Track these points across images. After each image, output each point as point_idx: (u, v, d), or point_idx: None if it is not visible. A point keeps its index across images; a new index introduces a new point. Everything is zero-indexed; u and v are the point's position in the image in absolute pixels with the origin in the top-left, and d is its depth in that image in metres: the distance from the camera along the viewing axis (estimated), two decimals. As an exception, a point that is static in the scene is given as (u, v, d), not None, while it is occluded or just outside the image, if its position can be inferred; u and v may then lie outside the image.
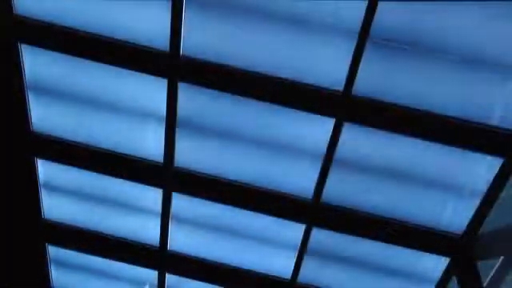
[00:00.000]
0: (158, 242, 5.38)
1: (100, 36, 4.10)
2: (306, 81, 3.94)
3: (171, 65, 4.06)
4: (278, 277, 5.31)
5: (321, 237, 4.83)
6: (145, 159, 4.79)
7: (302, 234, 4.82)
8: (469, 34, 3.48)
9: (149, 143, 4.69)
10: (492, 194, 4.02)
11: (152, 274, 5.74)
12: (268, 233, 5.02)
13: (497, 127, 3.78)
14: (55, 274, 6.09)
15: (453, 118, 3.81)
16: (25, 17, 4.15)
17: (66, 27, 4.13)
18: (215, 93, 4.16)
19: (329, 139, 4.15)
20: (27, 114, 4.73)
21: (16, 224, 5.63)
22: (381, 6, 3.45)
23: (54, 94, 4.59)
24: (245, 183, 4.68)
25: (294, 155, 4.44)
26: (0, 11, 4.13)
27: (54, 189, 5.32)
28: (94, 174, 5.01)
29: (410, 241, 4.52)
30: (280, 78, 3.96)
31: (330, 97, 3.91)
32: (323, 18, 3.66)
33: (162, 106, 4.36)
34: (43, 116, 4.76)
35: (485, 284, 4.25)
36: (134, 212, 5.30)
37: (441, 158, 4.05)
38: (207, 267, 5.42)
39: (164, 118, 4.41)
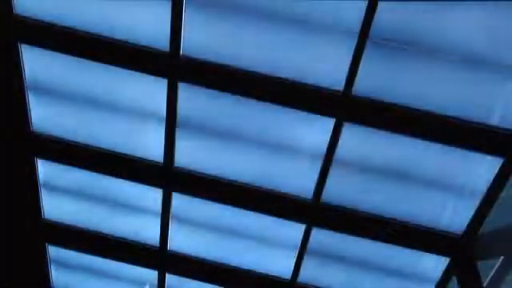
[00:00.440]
0: (158, 242, 5.39)
1: (100, 36, 4.10)
2: (305, 81, 3.94)
3: (171, 65, 4.06)
4: (277, 277, 5.31)
5: (321, 237, 4.83)
6: (145, 159, 4.79)
7: (302, 234, 4.82)
8: (469, 34, 3.48)
9: (149, 143, 4.69)
10: (492, 194, 4.02)
11: (152, 274, 5.74)
12: (268, 233, 5.02)
13: (497, 127, 3.78)
14: (55, 274, 6.09)
15: (453, 117, 3.81)
16: (25, 17, 4.15)
17: (65, 27, 4.13)
18: (215, 93, 4.16)
19: (329, 139, 4.15)
20: (27, 114, 4.73)
21: (16, 224, 5.63)
22: (381, 5, 3.45)
23: (54, 93, 4.59)
24: (245, 183, 4.68)
25: (294, 155, 4.44)
26: (0, 11, 4.13)
27: (54, 189, 5.32)
28: (94, 174, 5.01)
29: (410, 241, 4.52)
30: (280, 78, 3.96)
31: (330, 97, 3.91)
32: (323, 18, 3.66)
33: (162, 106, 4.36)
34: (43, 116, 4.76)
35: (485, 284, 4.25)
36: (134, 212, 5.29)
37: (441, 157, 4.05)
38: (207, 267, 5.42)
39: (164, 118, 4.41)
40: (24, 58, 4.41)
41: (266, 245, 5.12)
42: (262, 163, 4.53)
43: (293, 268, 5.12)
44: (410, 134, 3.91)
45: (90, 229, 5.55)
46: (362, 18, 3.52)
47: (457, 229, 4.40)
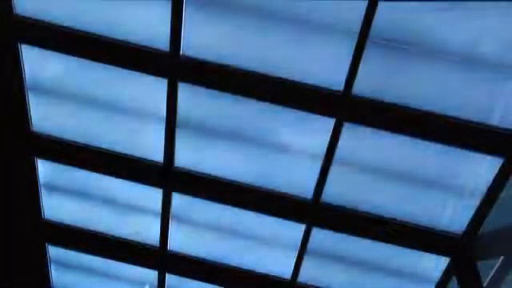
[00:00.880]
0: (158, 242, 5.39)
1: (100, 36, 4.10)
2: (306, 81, 3.94)
3: (171, 65, 4.06)
4: (277, 277, 5.31)
5: (321, 237, 4.83)
6: (145, 159, 4.79)
7: (302, 234, 4.82)
8: (469, 34, 3.48)
9: (149, 143, 4.69)
10: (492, 194, 4.02)
11: (152, 274, 5.74)
12: (268, 233, 5.02)
13: (497, 127, 3.78)
14: (55, 274, 6.09)
15: (453, 117, 3.81)
16: (25, 17, 4.15)
17: (65, 27, 4.13)
18: (215, 93, 4.16)
19: (329, 139, 4.15)
20: (27, 114, 4.73)
21: (16, 224, 5.63)
22: (381, 5, 3.45)
23: (54, 93, 4.59)
24: (245, 183, 4.68)
25: (294, 155, 4.44)
26: (0, 11, 4.13)
27: (54, 189, 5.32)
28: (94, 174, 5.01)
29: (410, 241, 4.52)
30: (280, 78, 3.96)
31: (330, 97, 3.91)
32: (323, 18, 3.66)
33: (162, 106, 4.36)
34: (43, 116, 4.76)
35: (485, 284, 4.25)
36: (134, 212, 5.29)
37: (441, 157, 4.05)
38: (207, 267, 5.42)
39: (164, 118, 4.41)
40: (24, 58, 4.41)
41: (266, 245, 5.12)
42: (262, 163, 4.53)
43: (293, 268, 5.12)
44: (410, 134, 3.91)
45: (90, 229, 5.55)
46: (362, 18, 3.52)
47: (457, 229, 4.40)
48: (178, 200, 4.99)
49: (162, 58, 4.06)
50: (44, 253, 5.83)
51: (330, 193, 4.52)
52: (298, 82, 3.95)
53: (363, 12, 3.50)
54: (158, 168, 4.77)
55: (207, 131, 4.44)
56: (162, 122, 4.46)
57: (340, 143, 4.16)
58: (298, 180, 4.56)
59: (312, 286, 5.25)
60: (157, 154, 4.72)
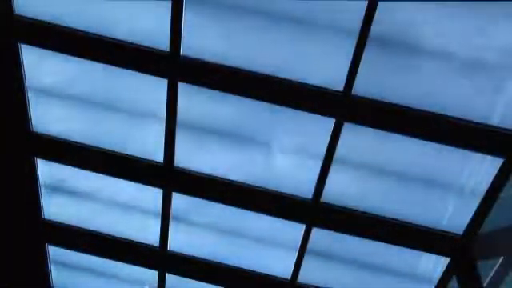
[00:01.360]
0: (158, 242, 5.38)
1: (100, 36, 4.10)
2: (306, 81, 3.93)
3: (171, 65, 4.06)
4: (277, 277, 5.31)
5: (321, 237, 4.83)
6: (145, 159, 4.79)
7: (302, 234, 4.82)
8: (469, 34, 3.48)
9: (149, 143, 4.69)
10: (492, 194, 4.02)
11: (152, 274, 5.74)
12: (268, 233, 5.02)
13: (497, 127, 3.78)
14: (55, 274, 6.09)
15: (453, 118, 3.81)
16: (25, 17, 4.15)
17: (65, 27, 4.13)
18: (215, 93, 4.16)
19: (329, 139, 4.14)
20: (27, 114, 4.72)
21: (16, 224, 5.63)
22: (381, 5, 3.45)
23: (54, 93, 4.59)
24: (245, 183, 4.68)
25: (294, 155, 4.44)
26: (0, 11, 4.13)
27: (54, 189, 5.32)
28: (94, 174, 5.01)
29: (410, 241, 4.52)
30: (280, 78, 3.96)
31: (330, 97, 3.91)
32: (323, 18, 3.66)
33: (162, 106, 4.36)
34: (43, 116, 4.76)
35: (485, 284, 4.25)
36: (134, 212, 5.29)
37: (441, 157, 4.05)
38: (207, 267, 5.42)
39: (164, 118, 4.41)
40: (24, 57, 4.41)
41: (266, 245, 5.12)
42: (262, 163, 4.53)
43: (293, 268, 5.12)
44: (410, 134, 3.91)
45: (90, 229, 5.55)
46: (362, 18, 3.51)
47: (457, 229, 4.40)
48: (178, 200, 4.99)
49: (162, 58, 4.05)
50: (44, 253, 5.83)
51: (330, 193, 4.52)
52: (298, 82, 3.94)
53: (363, 12, 3.49)
54: (157, 168, 4.76)
55: (207, 131, 4.44)
56: (161, 122, 4.45)
57: (340, 143, 4.15)
58: (298, 180, 4.56)
59: (312, 286, 5.25)
60: (157, 154, 4.72)
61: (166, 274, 5.63)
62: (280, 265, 5.21)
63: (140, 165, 4.79)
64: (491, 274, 4.27)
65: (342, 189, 4.51)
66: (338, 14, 3.61)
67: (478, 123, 3.79)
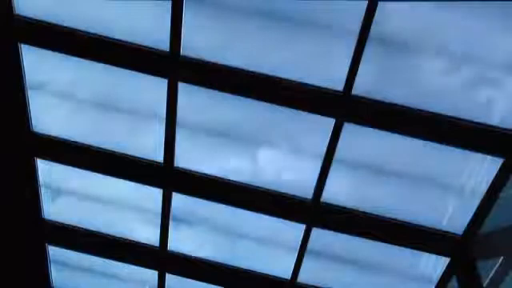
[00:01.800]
0: (158, 242, 5.38)
1: (100, 36, 4.10)
2: (305, 81, 3.93)
3: (171, 65, 4.06)
4: (277, 277, 5.31)
5: (321, 237, 4.83)
6: (145, 159, 4.79)
7: (302, 234, 4.82)
8: (469, 34, 3.48)
9: (149, 143, 4.69)
10: (492, 194, 4.02)
11: (152, 274, 5.74)
12: (268, 233, 5.02)
13: (497, 127, 3.78)
14: (55, 274, 6.09)
15: (453, 117, 3.81)
16: (25, 17, 4.15)
17: (66, 27, 4.13)
18: (215, 93, 4.16)
19: (329, 139, 4.14)
20: (27, 114, 4.72)
21: (16, 224, 5.63)
22: (381, 5, 3.45)
23: (54, 93, 4.59)
24: (245, 183, 4.68)
25: (294, 155, 4.44)
26: (0, 11, 4.13)
27: (54, 189, 5.32)
28: (94, 174, 5.01)
29: (410, 241, 4.52)
30: (280, 78, 3.96)
31: (330, 97, 3.91)
32: (323, 18, 3.66)
33: (162, 106, 4.36)
34: (43, 116, 4.76)
35: (485, 284, 4.25)
36: (134, 212, 5.30)
37: (441, 157, 4.05)
38: (207, 267, 5.42)
39: (164, 118, 4.41)
40: (24, 57, 4.41)
41: (266, 245, 5.12)
42: (262, 163, 4.53)
43: (293, 268, 5.12)
44: (410, 134, 3.91)
45: (90, 229, 5.55)
46: (362, 18, 3.51)
47: (457, 229, 4.40)
48: (178, 200, 4.99)
49: (162, 58, 4.05)
50: (44, 253, 5.82)
51: (330, 193, 4.52)
52: (298, 82, 3.94)
53: (363, 12, 3.49)
54: (157, 168, 4.76)
55: (207, 131, 4.44)
56: (161, 121, 4.45)
57: (340, 143, 4.15)
58: (298, 180, 4.56)
59: (312, 286, 5.25)
60: (157, 154, 4.72)
61: (166, 274, 5.63)
62: (280, 265, 5.21)
63: (140, 165, 4.79)
64: (491, 274, 4.26)
65: (342, 189, 4.51)
66: (338, 14, 3.61)
67: (478, 123, 3.79)
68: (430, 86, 3.73)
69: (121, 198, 5.22)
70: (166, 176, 4.77)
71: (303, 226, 4.78)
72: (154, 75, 4.16)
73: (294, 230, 4.86)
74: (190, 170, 4.74)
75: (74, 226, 5.56)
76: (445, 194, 4.26)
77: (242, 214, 4.88)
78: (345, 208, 4.57)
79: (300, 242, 4.90)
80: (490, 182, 3.98)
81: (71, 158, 4.89)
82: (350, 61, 3.69)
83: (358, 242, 4.73)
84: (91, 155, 4.83)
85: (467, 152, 3.94)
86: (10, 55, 4.36)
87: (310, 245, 4.90)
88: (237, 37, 3.88)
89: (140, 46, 4.07)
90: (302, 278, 5.19)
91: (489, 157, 3.92)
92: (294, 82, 3.95)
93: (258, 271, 5.32)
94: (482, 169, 4.01)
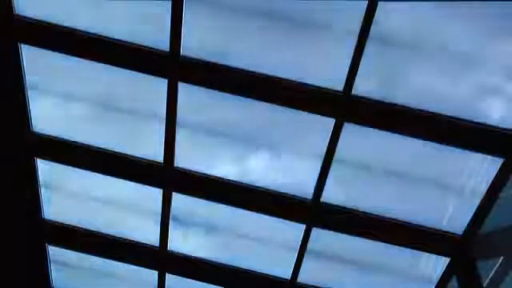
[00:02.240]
0: (158, 242, 5.38)
1: (100, 36, 4.10)
2: (305, 81, 3.93)
3: (171, 65, 4.06)
4: (277, 277, 5.31)
5: (321, 237, 4.83)
6: (145, 159, 4.79)
7: (302, 234, 4.82)
8: (469, 34, 3.48)
9: (149, 143, 4.69)
10: (492, 194, 4.02)
11: (152, 274, 5.74)
12: (268, 233, 5.02)
13: (497, 127, 3.78)
14: (55, 274, 6.09)
15: (453, 117, 3.81)
16: (25, 17, 4.15)
17: (65, 27, 4.12)
18: (215, 93, 4.16)
19: (329, 139, 4.14)
20: (27, 114, 4.72)
21: (16, 224, 5.63)
22: (381, 5, 3.45)
23: (54, 93, 4.59)
24: (245, 183, 4.68)
25: (294, 155, 4.44)
26: (0, 11, 4.13)
27: (54, 189, 5.32)
28: (94, 174, 5.01)
29: (410, 241, 4.52)
30: (280, 78, 3.96)
31: (330, 97, 3.91)
32: (323, 18, 3.66)
33: (161, 106, 4.36)
34: (43, 116, 4.76)
35: (485, 284, 4.25)
36: (134, 212, 5.29)
37: (441, 157, 4.05)
38: (207, 267, 5.42)
39: (164, 118, 4.41)
40: (24, 57, 4.41)
41: (266, 245, 5.12)
42: (262, 163, 4.53)
43: (293, 268, 5.12)
44: (410, 134, 3.91)
45: (90, 229, 5.54)
46: (362, 18, 3.51)
47: (457, 229, 4.40)
48: (178, 200, 4.99)
49: (162, 58, 4.05)
50: (44, 253, 5.82)
51: (330, 193, 4.52)
52: (298, 82, 3.94)
53: (363, 12, 3.49)
54: (157, 168, 4.76)
55: (207, 131, 4.44)
56: (161, 121, 4.45)
57: (340, 143, 4.15)
58: (298, 180, 4.56)
59: (312, 286, 5.25)
60: (157, 154, 4.71)
61: (166, 274, 5.63)
62: (280, 265, 5.21)
63: (140, 165, 4.79)
64: (491, 274, 4.26)
65: (342, 189, 4.51)
66: (337, 14, 3.61)
67: (478, 123, 3.79)
68: (430, 85, 3.73)
69: (121, 198, 5.21)
70: (166, 176, 4.77)
71: (303, 226, 4.78)
72: (153, 75, 4.16)
73: (293, 230, 4.86)
74: (190, 170, 4.74)
75: (74, 226, 5.56)
76: (445, 194, 4.26)
77: (242, 214, 4.88)
78: (345, 208, 4.57)
79: (300, 242, 4.90)
80: (490, 182, 3.98)
81: (71, 157, 4.89)
82: (350, 61, 3.69)
83: (357, 242, 4.73)
84: (91, 155, 4.83)
85: (467, 152, 3.94)
86: (9, 55, 4.36)
87: (310, 245, 4.90)
88: (237, 37, 3.88)
89: (140, 45, 4.07)
90: (302, 278, 5.19)
91: (489, 157, 3.92)
92: (294, 81, 3.95)
93: (258, 271, 5.32)
94: (481, 169, 4.01)
